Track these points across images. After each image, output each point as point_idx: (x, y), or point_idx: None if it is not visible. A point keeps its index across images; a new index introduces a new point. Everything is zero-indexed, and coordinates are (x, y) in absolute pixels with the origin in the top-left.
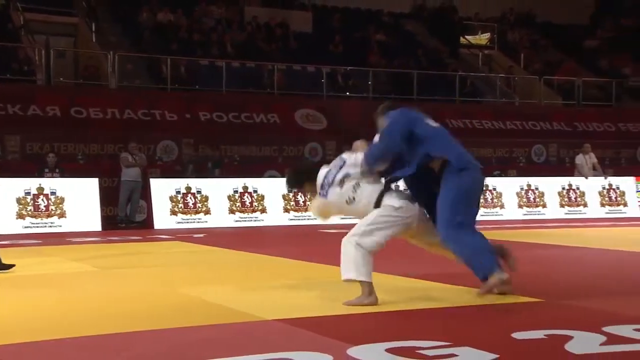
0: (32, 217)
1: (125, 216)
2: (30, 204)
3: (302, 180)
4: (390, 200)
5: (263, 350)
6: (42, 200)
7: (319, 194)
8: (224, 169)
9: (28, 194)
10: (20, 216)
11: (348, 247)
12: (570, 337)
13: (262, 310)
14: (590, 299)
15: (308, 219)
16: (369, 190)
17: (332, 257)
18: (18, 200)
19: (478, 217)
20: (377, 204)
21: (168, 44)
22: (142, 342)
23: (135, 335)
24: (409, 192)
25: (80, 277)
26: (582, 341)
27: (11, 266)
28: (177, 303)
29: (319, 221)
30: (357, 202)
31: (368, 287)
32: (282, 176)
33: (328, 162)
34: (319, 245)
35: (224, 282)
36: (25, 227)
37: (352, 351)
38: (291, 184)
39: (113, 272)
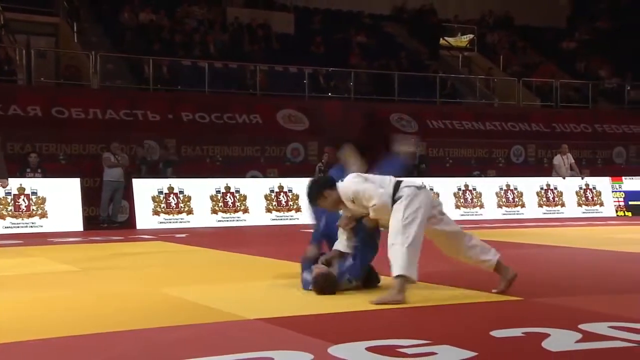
0: (12, 217)
1: (107, 216)
2: (10, 204)
3: (321, 192)
4: (408, 183)
5: (244, 349)
6: (23, 200)
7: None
8: (175, 168)
9: (9, 194)
10: (0, 216)
11: (397, 247)
12: (547, 335)
13: (243, 309)
14: (567, 297)
15: (290, 219)
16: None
17: None
18: None
19: (458, 217)
20: (396, 187)
21: (150, 44)
22: (123, 342)
23: (116, 335)
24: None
25: (62, 277)
26: (558, 339)
27: None
28: (159, 303)
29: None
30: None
31: (404, 284)
32: (264, 176)
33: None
34: (300, 244)
35: (205, 281)
36: (6, 228)
37: (332, 350)
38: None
39: (95, 272)
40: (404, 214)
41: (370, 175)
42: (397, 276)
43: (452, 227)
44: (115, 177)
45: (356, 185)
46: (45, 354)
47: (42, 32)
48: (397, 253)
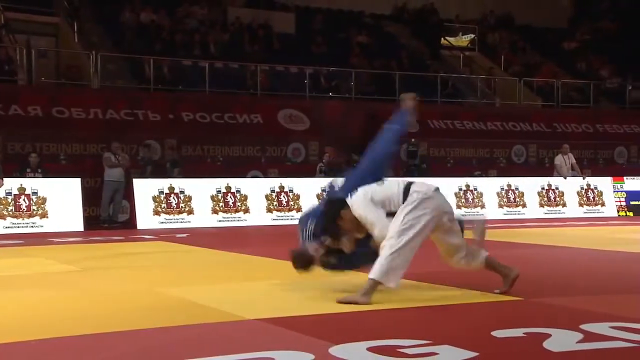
0: (13, 217)
1: (108, 216)
2: (11, 204)
3: (337, 213)
4: (418, 187)
5: (244, 349)
6: (24, 200)
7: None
8: (184, 168)
9: (9, 194)
10: (1, 216)
11: (385, 250)
12: (548, 335)
13: (243, 309)
14: (567, 297)
15: (291, 219)
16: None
17: None
18: None
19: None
20: (406, 193)
21: (151, 44)
22: (122, 342)
23: (115, 335)
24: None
25: (61, 277)
26: (559, 339)
27: None
28: (159, 303)
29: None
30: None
31: (373, 288)
32: (265, 176)
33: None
34: None
35: (205, 282)
36: (6, 228)
37: (333, 350)
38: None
39: (94, 272)
40: (404, 219)
41: (375, 189)
42: (370, 278)
43: (456, 240)
44: (116, 177)
45: (362, 208)
46: (44, 354)
47: (43, 32)
48: (382, 255)
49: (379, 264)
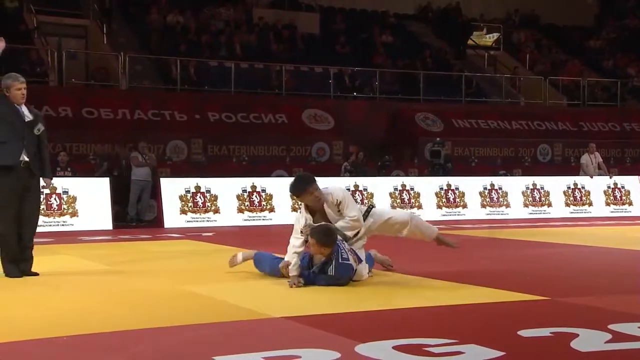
0: (44, 216)
1: (135, 215)
2: (43, 203)
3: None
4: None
5: (271, 347)
6: (55, 199)
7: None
8: (207, 167)
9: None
10: None
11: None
12: (575, 335)
13: (270, 307)
14: (595, 296)
15: None
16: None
17: None
18: None
19: (484, 216)
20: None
21: (177, 45)
22: (150, 339)
23: (142, 332)
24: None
25: (91, 274)
26: (587, 339)
27: (36, 274)
28: (186, 301)
29: None
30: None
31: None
32: (290, 175)
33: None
34: None
35: (232, 280)
36: (38, 226)
37: (359, 348)
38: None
39: (123, 269)
40: (394, 220)
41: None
42: (434, 237)
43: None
44: (143, 176)
45: (344, 193)
46: (74, 350)
47: (73, 34)
48: (420, 229)
49: (423, 226)
